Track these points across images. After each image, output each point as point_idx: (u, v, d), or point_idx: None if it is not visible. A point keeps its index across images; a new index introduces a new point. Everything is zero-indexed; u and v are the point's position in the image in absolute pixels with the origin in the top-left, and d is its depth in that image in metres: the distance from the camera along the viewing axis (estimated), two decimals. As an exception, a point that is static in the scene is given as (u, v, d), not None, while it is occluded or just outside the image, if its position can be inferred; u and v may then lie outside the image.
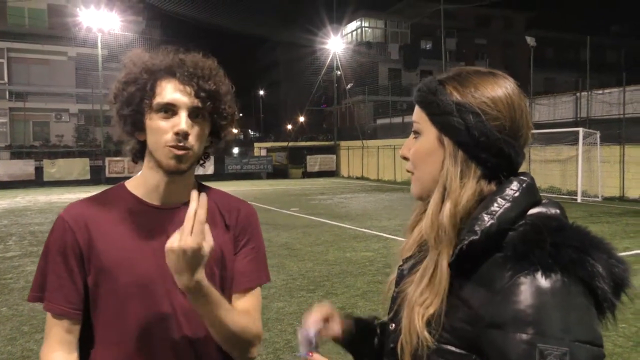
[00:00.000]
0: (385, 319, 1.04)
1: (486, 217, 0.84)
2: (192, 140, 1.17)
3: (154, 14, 35.58)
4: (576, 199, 16.28)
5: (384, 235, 10.19)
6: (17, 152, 27.34)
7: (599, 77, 26.81)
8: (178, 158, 1.17)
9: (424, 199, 0.97)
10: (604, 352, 0.77)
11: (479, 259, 0.83)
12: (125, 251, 1.19)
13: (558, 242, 0.79)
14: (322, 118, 47.13)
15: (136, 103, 1.17)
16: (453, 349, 0.85)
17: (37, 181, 24.55)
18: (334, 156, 32.75)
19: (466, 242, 0.83)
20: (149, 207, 1.24)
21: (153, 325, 1.19)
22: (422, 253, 0.98)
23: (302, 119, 45.48)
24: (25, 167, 24.94)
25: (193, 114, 1.18)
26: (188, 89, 1.17)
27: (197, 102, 1.17)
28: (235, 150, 36.86)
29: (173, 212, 1.23)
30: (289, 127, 48.90)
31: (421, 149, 0.95)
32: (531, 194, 0.88)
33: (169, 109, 1.16)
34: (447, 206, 0.88)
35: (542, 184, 18.55)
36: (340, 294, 6.05)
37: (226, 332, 1.15)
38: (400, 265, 1.04)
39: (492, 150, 0.89)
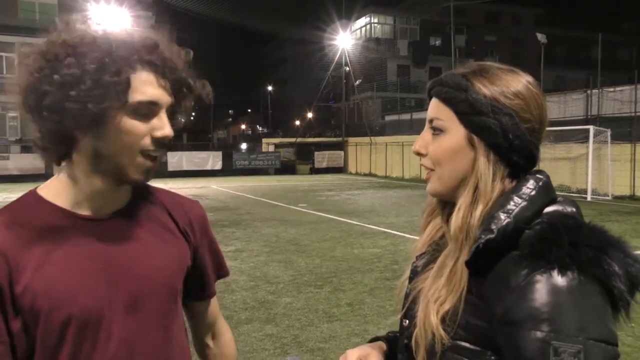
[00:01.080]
0: (398, 315, 1.04)
1: (503, 216, 0.83)
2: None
3: (163, 9, 35.70)
4: (586, 198, 16.16)
5: (392, 232, 10.18)
6: (27, 146, 27.57)
7: (610, 74, 26.55)
8: (148, 171, 0.99)
9: (444, 197, 0.96)
10: (619, 351, 0.77)
11: (495, 256, 0.83)
12: (60, 281, 0.94)
13: (575, 241, 0.79)
14: (330, 114, 47.10)
15: (110, 98, 0.91)
16: (468, 345, 0.85)
17: (47, 175, 24.54)
18: (342, 152, 32.74)
19: (483, 240, 0.83)
20: (78, 220, 0.99)
21: None
22: (436, 249, 0.98)
23: (310, 115, 45.49)
24: (35, 161, 25.04)
25: (169, 114, 1.00)
26: (167, 84, 0.98)
27: (172, 100, 1.00)
28: (244, 145, 36.93)
29: (110, 223, 1.02)
30: (297, 123, 48.94)
31: (446, 148, 0.92)
32: (547, 192, 0.88)
33: (150, 109, 0.96)
34: (480, 208, 0.88)
35: (552, 182, 18.41)
36: (348, 290, 6.06)
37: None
38: (414, 262, 1.04)
39: (523, 152, 0.89)
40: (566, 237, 0.79)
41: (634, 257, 0.81)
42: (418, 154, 0.97)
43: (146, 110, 0.95)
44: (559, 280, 0.77)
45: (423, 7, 37.82)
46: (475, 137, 0.89)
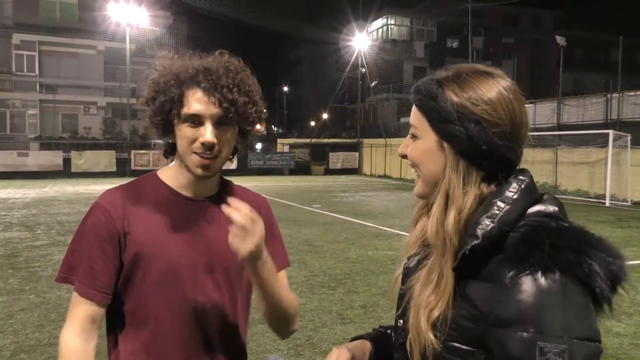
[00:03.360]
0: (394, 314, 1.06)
1: (487, 221, 0.86)
2: (218, 147, 1.24)
3: (181, 9, 35.95)
4: (604, 203, 15.93)
5: (406, 234, 10.07)
6: (47, 143, 27.97)
7: (630, 78, 26.10)
8: (204, 167, 1.25)
9: (426, 197, 1.00)
10: (602, 347, 0.81)
11: (481, 260, 0.86)
12: (160, 239, 1.25)
13: (556, 244, 0.82)
14: (346, 115, 47.05)
15: (165, 112, 1.24)
16: (460, 345, 0.88)
17: (65, 172, 25.07)
18: (357, 154, 32.67)
19: (469, 247, 0.85)
20: (182, 198, 1.31)
21: (182, 312, 1.25)
22: (427, 249, 1.01)
23: (325, 115, 45.47)
24: (53, 158, 25.51)
25: (218, 122, 1.23)
26: (212, 99, 1.22)
27: (220, 112, 1.22)
28: (259, 146, 37.04)
29: (204, 204, 1.32)
30: (312, 123, 48.94)
31: (420, 149, 0.96)
32: (530, 194, 0.90)
33: (196, 119, 1.22)
34: (452, 214, 0.90)
35: (569, 187, 18.20)
36: (362, 292, 6.03)
37: (278, 303, 1.29)
38: (406, 263, 1.07)
39: (493, 157, 0.90)
40: (547, 240, 0.82)
41: (614, 255, 0.84)
42: (402, 156, 1.02)
43: (193, 120, 1.23)
44: (542, 282, 0.80)
45: (440, 8, 37.58)
46: (445, 144, 0.92)
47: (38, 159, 25.24)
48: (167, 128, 1.27)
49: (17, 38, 29.95)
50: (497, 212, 0.86)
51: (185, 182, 1.31)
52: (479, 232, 0.85)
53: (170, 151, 1.34)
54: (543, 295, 0.79)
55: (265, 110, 1.36)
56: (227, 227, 1.23)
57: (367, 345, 1.14)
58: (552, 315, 0.79)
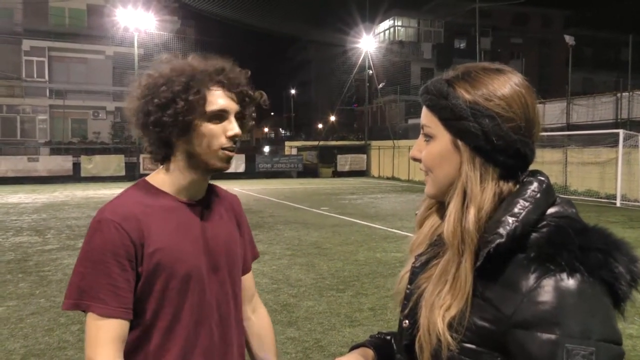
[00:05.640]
0: (400, 315, 1.04)
1: (510, 220, 0.85)
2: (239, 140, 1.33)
3: (189, 14, 36.16)
4: (615, 203, 15.79)
5: (415, 236, 10.06)
6: (56, 149, 28.20)
7: (641, 77, 25.91)
8: (229, 160, 1.32)
9: (439, 198, 0.99)
10: (624, 350, 0.80)
11: (501, 260, 0.84)
12: (176, 246, 1.27)
13: (584, 245, 0.81)
14: (353, 117, 47.01)
15: (191, 112, 1.25)
16: (474, 347, 0.86)
17: (75, 176, 25.24)
18: (365, 156, 32.62)
19: (493, 245, 0.84)
20: (180, 204, 1.33)
21: (205, 314, 1.30)
22: (435, 248, 0.99)
23: (333, 118, 45.47)
24: (63, 163, 25.70)
25: (236, 117, 1.31)
26: (234, 96, 1.30)
27: (240, 108, 1.32)
28: (266, 148, 37.10)
29: (198, 207, 1.35)
30: (320, 126, 48.97)
31: (435, 153, 0.95)
32: (550, 194, 0.89)
33: (221, 115, 1.28)
34: (472, 212, 0.89)
35: (579, 187, 18.04)
36: (370, 295, 6.01)
37: None
38: (413, 262, 1.05)
39: (509, 151, 0.89)
40: (575, 241, 0.81)
41: (635, 258, 0.84)
42: (415, 159, 1.01)
43: (219, 117, 1.28)
44: (569, 283, 0.79)
45: (448, 9, 37.50)
46: (459, 142, 0.91)
47: (48, 163, 25.43)
48: (184, 129, 1.26)
49: (27, 44, 30.26)
50: (521, 210, 0.85)
51: (185, 185, 1.32)
52: (503, 231, 0.84)
53: (164, 156, 1.32)
54: (570, 296, 0.78)
55: (266, 101, 1.45)
56: (221, 227, 1.37)
57: (369, 353, 1.12)
58: (579, 317, 0.77)
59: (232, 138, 1.29)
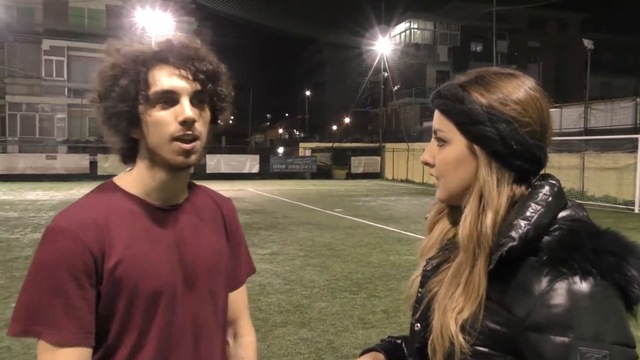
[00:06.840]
0: (411, 319, 1.05)
1: (522, 223, 0.85)
2: (199, 127, 1.07)
3: (206, 15, 36.45)
4: (633, 209, 15.55)
5: (428, 239, 10.02)
6: (74, 147, 28.60)
7: (661, 81, 25.51)
8: (186, 153, 1.07)
9: (452, 203, 0.99)
10: (637, 354, 0.80)
11: (513, 263, 0.85)
12: (142, 259, 1.06)
13: (597, 248, 0.81)
14: (368, 119, 46.97)
15: (132, 97, 1.05)
16: (488, 350, 0.86)
17: (92, 175, 25.54)
18: (379, 158, 32.56)
19: (506, 248, 0.84)
20: (151, 208, 1.12)
21: (176, 337, 1.10)
22: (445, 252, 1.00)
23: (347, 120, 45.45)
24: (80, 161, 26.07)
25: (194, 99, 1.07)
26: (184, 72, 1.06)
27: (197, 86, 1.07)
28: (280, 150, 37.21)
29: (174, 212, 1.15)
30: (334, 127, 48.98)
31: (450, 158, 0.95)
32: (561, 198, 0.90)
33: (169, 98, 1.05)
34: (489, 216, 0.89)
35: (597, 193, 17.81)
36: (384, 297, 6.00)
37: None
38: (424, 266, 1.05)
39: (525, 156, 0.90)
40: (589, 244, 0.81)
41: None
42: (426, 164, 1.00)
43: (166, 99, 1.05)
44: (582, 286, 0.79)
45: (464, 12, 37.32)
46: (475, 146, 0.91)
47: (65, 161, 25.82)
48: (132, 119, 1.06)
49: (46, 44, 30.74)
50: (533, 214, 0.85)
51: (155, 186, 1.11)
52: (515, 234, 0.84)
53: (130, 154, 1.14)
54: (584, 299, 0.78)
55: (232, 93, 1.18)
56: (203, 236, 1.16)
57: (380, 357, 1.13)
58: (593, 320, 0.77)
59: (185, 124, 1.04)
